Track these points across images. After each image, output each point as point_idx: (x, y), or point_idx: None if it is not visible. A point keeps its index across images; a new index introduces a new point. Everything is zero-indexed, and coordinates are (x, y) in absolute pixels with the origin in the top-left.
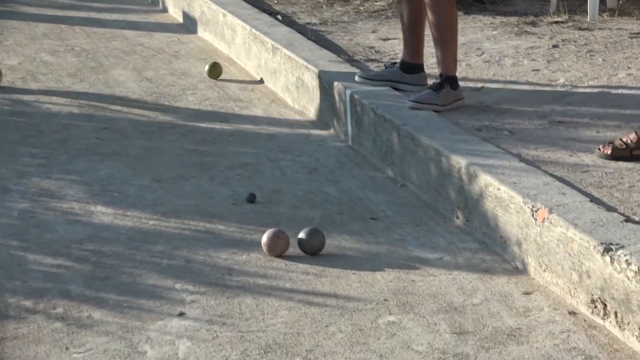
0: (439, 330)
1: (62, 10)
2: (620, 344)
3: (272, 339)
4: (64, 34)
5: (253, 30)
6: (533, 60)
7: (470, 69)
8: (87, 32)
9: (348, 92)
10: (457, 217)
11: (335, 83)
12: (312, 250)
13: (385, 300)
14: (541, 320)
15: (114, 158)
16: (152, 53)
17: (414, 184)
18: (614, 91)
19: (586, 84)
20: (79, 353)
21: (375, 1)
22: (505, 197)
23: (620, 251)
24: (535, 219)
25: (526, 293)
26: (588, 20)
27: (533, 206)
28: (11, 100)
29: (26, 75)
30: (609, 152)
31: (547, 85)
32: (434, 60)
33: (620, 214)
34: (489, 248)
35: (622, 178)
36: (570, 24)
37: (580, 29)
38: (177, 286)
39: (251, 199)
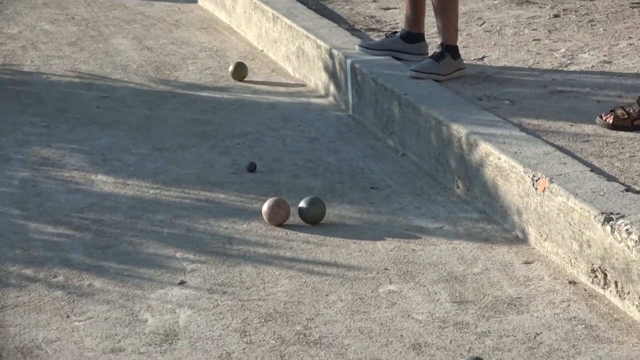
0: (439, 299)
1: None
2: (621, 313)
3: (273, 307)
4: (64, 2)
5: None
6: (534, 29)
7: (471, 38)
8: (87, 0)
9: (349, 61)
10: (458, 187)
11: (336, 52)
12: (313, 220)
13: (385, 269)
14: (541, 290)
15: (115, 127)
16: (153, 22)
17: (414, 154)
18: (615, 61)
19: (587, 54)
20: (80, 321)
21: None
22: (506, 166)
23: (620, 221)
24: (536, 189)
25: (526, 262)
26: None
27: (534, 175)
28: (11, 69)
29: (26, 44)
30: (610, 121)
31: (548, 54)
32: (435, 29)
33: (620, 183)
34: (489, 217)
35: (622, 148)
36: None
37: None
38: (178, 255)
39: (252, 168)
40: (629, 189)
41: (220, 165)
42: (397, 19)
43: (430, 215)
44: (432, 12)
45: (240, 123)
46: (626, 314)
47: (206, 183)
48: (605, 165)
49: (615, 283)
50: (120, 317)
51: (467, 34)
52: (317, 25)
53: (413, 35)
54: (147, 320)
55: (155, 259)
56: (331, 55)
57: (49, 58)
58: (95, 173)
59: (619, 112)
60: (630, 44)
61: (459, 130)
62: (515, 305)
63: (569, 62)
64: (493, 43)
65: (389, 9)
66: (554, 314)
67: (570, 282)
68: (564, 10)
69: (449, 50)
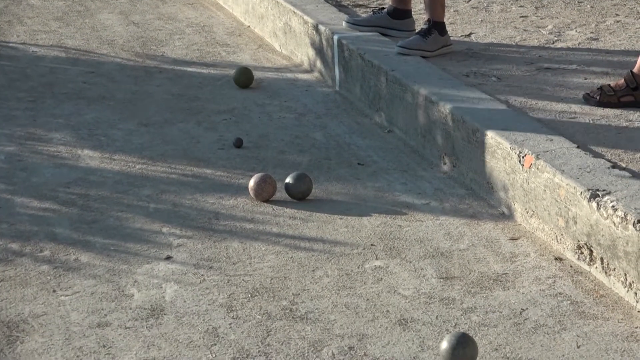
0: (425, 275)
1: None
2: (606, 289)
3: (259, 283)
4: None
5: None
6: (521, 6)
7: (458, 15)
8: None
9: (336, 37)
10: (444, 163)
11: (323, 28)
12: (299, 195)
13: (372, 245)
14: (527, 266)
15: (101, 102)
16: None
17: (401, 130)
18: (601, 38)
19: (574, 31)
20: (66, 295)
21: None
22: (493, 143)
23: (606, 197)
24: (522, 165)
25: (512, 239)
26: None
27: (520, 152)
28: None
29: (12, 18)
30: (597, 98)
31: (535, 31)
32: (422, 6)
33: (607, 160)
34: (475, 194)
35: (609, 124)
36: None
37: None
38: (164, 230)
39: (238, 143)
40: (615, 166)
41: (207, 141)
42: None
43: (416, 192)
44: None
45: (227, 99)
46: (611, 290)
47: (192, 158)
48: (591, 142)
49: (601, 259)
50: (107, 291)
51: (454, 11)
52: (304, 1)
53: (400, 12)
54: (133, 295)
55: (141, 234)
56: (318, 31)
57: (35, 33)
58: (81, 148)
59: (606, 89)
60: (617, 21)
61: (446, 107)
62: (501, 282)
63: (555, 39)
64: (480, 20)
65: None
66: (540, 290)
67: (556, 259)
68: None
69: (436, 26)
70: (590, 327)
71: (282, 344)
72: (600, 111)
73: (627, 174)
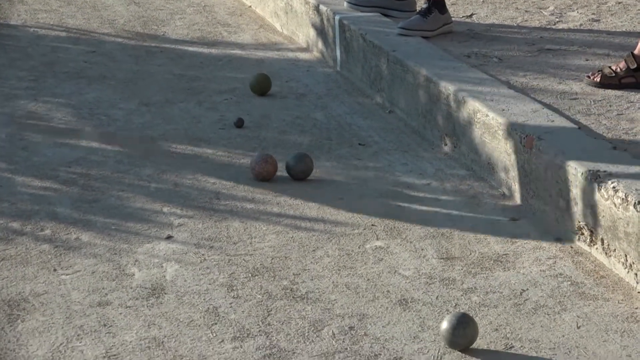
0: (426, 255)
1: None
2: (606, 270)
3: (260, 262)
4: None
5: None
6: None
7: None
8: None
9: (337, 17)
10: (445, 144)
11: (324, 8)
12: (300, 175)
13: (372, 225)
14: (528, 247)
15: (102, 82)
16: None
17: (402, 111)
18: (603, 19)
19: (576, 12)
20: (67, 275)
21: None
22: (494, 123)
23: (607, 178)
24: (524, 146)
25: (513, 219)
26: None
27: (521, 133)
28: None
29: None
30: (598, 79)
31: (536, 12)
32: None
33: (608, 141)
34: (476, 175)
35: (610, 106)
36: None
37: None
38: (165, 210)
39: (239, 123)
40: (616, 147)
41: (208, 121)
42: None
43: (417, 172)
44: None
45: (228, 79)
46: (612, 271)
47: (193, 138)
48: (592, 123)
49: (602, 240)
50: (107, 270)
51: None
52: None
53: None
54: (134, 274)
55: (142, 214)
56: (319, 12)
57: (36, 12)
58: (82, 127)
59: (607, 70)
60: (619, 2)
61: (447, 88)
62: (501, 262)
63: (557, 20)
64: (482, 0)
65: None
66: (540, 270)
67: (556, 239)
68: None
69: (436, 5)
70: (591, 308)
71: (282, 323)
72: (601, 92)
73: (628, 155)
